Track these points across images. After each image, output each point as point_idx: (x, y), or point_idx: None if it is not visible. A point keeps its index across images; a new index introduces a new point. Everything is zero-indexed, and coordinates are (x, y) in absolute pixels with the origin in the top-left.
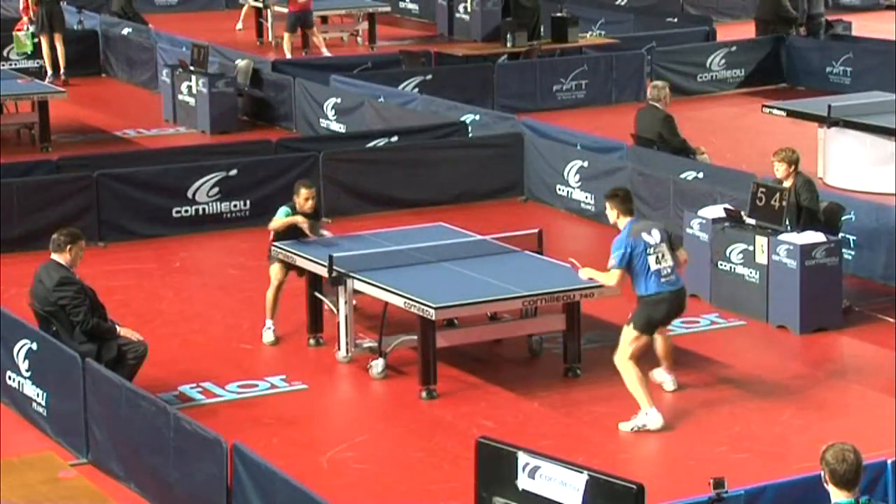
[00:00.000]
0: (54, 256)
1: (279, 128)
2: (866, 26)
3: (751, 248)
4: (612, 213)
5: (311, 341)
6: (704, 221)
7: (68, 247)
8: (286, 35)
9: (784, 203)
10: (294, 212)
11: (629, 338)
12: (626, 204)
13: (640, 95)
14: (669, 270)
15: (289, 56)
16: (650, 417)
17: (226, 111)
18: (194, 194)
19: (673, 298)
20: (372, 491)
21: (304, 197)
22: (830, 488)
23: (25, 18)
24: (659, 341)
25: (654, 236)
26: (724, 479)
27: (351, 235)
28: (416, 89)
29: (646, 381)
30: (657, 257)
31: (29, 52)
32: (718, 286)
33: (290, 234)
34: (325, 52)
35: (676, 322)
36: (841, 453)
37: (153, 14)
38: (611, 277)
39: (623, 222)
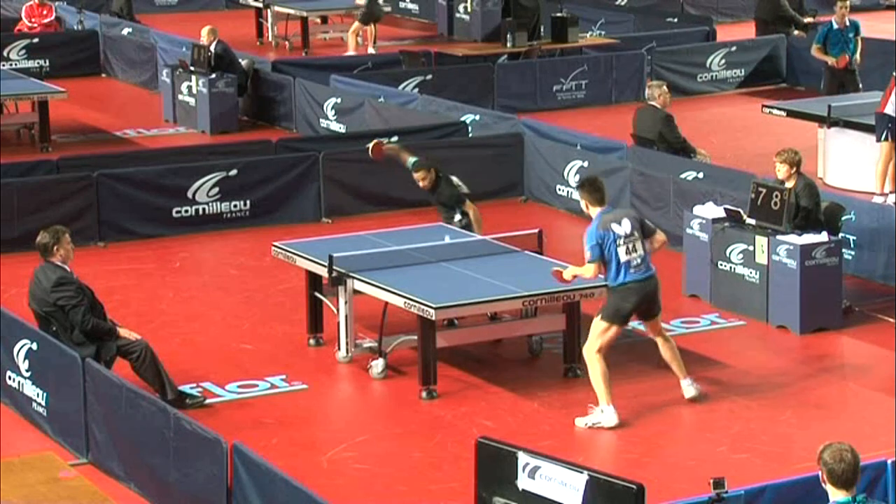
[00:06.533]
0: (47, 260)
1: (279, 128)
2: (866, 26)
3: (751, 248)
4: (582, 203)
5: (311, 341)
6: (704, 221)
7: (55, 247)
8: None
9: (784, 203)
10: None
11: (598, 329)
12: (594, 193)
13: (640, 95)
14: (639, 260)
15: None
16: (606, 415)
17: (226, 111)
18: (194, 194)
19: (640, 288)
20: (372, 491)
21: (416, 178)
22: (829, 488)
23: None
24: (660, 346)
25: (624, 226)
26: (724, 479)
27: (351, 235)
28: (416, 89)
29: (609, 377)
30: (627, 248)
31: None
32: (718, 286)
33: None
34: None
35: (676, 322)
36: (839, 453)
37: (153, 14)
38: (587, 270)
39: (594, 212)
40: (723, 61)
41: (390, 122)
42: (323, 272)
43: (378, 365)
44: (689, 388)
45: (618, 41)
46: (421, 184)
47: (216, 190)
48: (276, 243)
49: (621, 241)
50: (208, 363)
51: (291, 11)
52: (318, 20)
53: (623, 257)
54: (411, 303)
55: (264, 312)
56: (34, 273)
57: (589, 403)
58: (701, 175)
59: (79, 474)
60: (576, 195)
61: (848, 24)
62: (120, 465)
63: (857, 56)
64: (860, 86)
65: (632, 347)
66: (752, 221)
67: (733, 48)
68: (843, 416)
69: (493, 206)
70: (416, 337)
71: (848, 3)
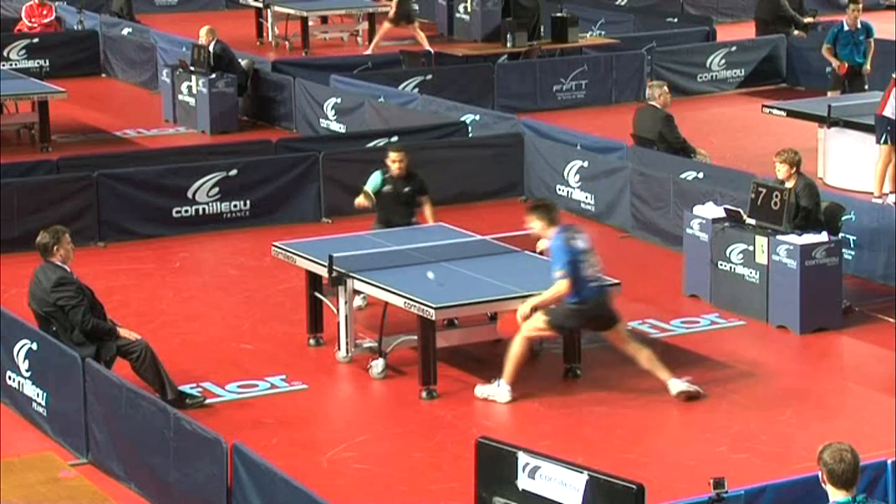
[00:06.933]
0: (47, 260)
1: (279, 128)
2: None
3: (751, 248)
4: (537, 225)
5: (311, 341)
6: (704, 221)
7: (55, 248)
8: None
9: (784, 203)
10: (385, 175)
11: (538, 325)
12: (551, 213)
13: (640, 95)
14: (599, 274)
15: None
16: (501, 390)
17: (226, 111)
18: (194, 194)
19: (589, 310)
20: (372, 491)
21: (390, 159)
22: (829, 488)
23: None
24: (636, 357)
25: (583, 242)
26: (724, 479)
27: (351, 235)
28: (416, 89)
29: (522, 363)
30: (588, 263)
31: None
32: (718, 286)
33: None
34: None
35: (676, 322)
36: (839, 453)
37: (153, 14)
38: (561, 286)
39: (550, 232)
40: (723, 61)
41: (390, 122)
42: (323, 272)
43: (378, 365)
44: (676, 384)
45: (618, 41)
46: (397, 166)
47: (216, 190)
48: (276, 243)
49: (584, 257)
50: (208, 363)
51: (291, 11)
52: (318, 20)
53: (587, 272)
54: (411, 303)
55: (264, 312)
56: (34, 273)
57: (494, 378)
58: (701, 175)
59: (79, 474)
60: (576, 195)
61: (860, 26)
62: (120, 465)
63: (868, 65)
64: (866, 89)
65: None
66: (752, 221)
67: (733, 48)
68: (843, 416)
69: (493, 206)
70: (416, 337)
71: (861, 4)
